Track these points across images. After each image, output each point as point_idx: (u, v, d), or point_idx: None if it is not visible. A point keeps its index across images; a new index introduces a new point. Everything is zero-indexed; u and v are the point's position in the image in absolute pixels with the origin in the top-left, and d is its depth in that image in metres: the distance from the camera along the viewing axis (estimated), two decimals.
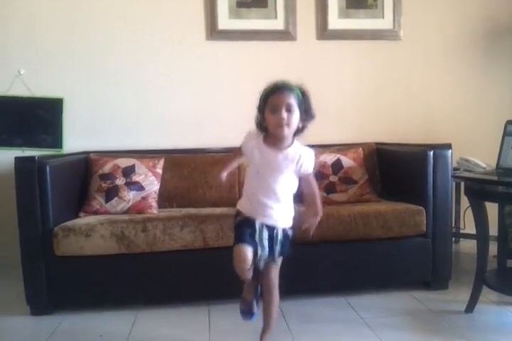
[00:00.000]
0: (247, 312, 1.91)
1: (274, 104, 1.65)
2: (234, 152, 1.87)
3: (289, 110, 1.64)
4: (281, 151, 1.70)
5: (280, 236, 1.74)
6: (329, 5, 3.16)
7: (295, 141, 1.73)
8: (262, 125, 1.72)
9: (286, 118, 1.64)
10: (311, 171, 1.74)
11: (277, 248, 1.74)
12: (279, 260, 1.81)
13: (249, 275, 1.75)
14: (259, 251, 1.71)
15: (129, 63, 3.07)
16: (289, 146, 1.71)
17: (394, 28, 3.23)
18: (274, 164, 1.70)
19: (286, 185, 1.73)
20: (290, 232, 1.79)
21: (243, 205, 1.78)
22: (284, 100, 1.64)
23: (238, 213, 1.79)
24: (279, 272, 1.83)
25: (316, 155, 1.77)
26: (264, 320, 1.86)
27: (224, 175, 1.78)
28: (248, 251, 1.67)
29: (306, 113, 1.70)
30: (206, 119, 3.12)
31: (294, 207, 1.80)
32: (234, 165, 1.85)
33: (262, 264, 1.77)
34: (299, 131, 1.71)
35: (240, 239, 1.69)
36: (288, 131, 1.66)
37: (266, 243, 1.72)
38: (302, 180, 1.77)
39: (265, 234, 1.72)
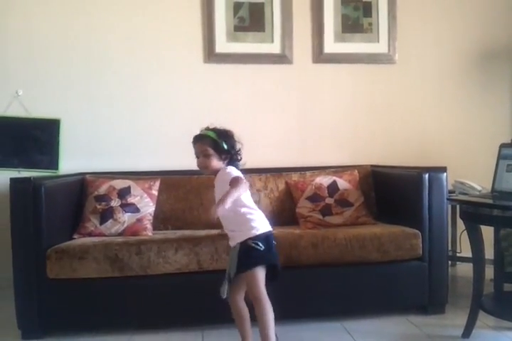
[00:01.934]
0: None
1: (195, 152, 2.00)
2: None
3: (205, 155, 1.95)
4: (215, 182, 2.00)
5: (236, 251, 1.89)
6: (325, 29, 3.21)
7: (221, 168, 1.96)
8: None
9: (203, 162, 1.96)
10: (230, 178, 1.88)
11: (233, 263, 1.88)
12: (247, 273, 1.87)
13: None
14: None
15: (126, 85, 3.10)
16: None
17: (389, 52, 3.28)
18: (216, 191, 1.98)
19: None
20: (250, 243, 1.86)
21: None
22: (198, 148, 1.98)
23: None
24: (256, 287, 1.87)
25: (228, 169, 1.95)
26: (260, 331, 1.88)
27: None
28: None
29: (226, 152, 1.96)
30: None
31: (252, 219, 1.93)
32: None
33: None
34: (232, 161, 1.99)
35: None
36: (209, 171, 1.98)
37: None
38: None
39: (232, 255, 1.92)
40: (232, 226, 1.94)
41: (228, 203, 1.79)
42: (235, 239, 1.92)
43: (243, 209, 1.93)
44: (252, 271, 1.86)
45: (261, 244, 1.87)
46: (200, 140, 1.99)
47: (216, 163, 1.97)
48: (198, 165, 2.00)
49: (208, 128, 2.01)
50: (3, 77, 3.02)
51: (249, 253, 1.87)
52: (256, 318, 1.87)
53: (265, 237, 1.91)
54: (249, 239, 1.88)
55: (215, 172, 1.98)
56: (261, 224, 1.94)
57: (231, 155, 1.99)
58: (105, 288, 2.22)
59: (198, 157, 1.99)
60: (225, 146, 1.96)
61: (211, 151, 1.95)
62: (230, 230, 1.95)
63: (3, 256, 2.36)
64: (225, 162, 1.98)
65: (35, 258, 2.19)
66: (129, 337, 2.23)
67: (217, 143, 1.96)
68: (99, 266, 2.19)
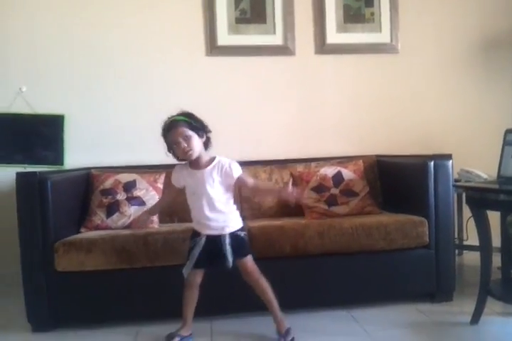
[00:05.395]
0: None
1: (173, 140, 1.97)
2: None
3: (186, 138, 1.95)
4: (204, 169, 2.00)
5: (228, 241, 1.98)
6: (327, 20, 3.20)
7: (216, 157, 2.03)
8: (179, 158, 2.04)
9: (187, 145, 1.95)
10: (238, 175, 2.02)
11: (228, 252, 1.98)
12: (246, 258, 2.04)
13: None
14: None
15: (129, 80, 3.10)
16: (209, 163, 2.01)
17: (391, 42, 3.27)
18: (203, 181, 1.99)
19: (220, 196, 2.01)
20: (242, 234, 2.05)
21: (194, 226, 2.07)
22: (177, 134, 1.96)
23: (192, 232, 2.08)
24: (256, 269, 2.06)
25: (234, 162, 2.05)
26: (268, 307, 2.06)
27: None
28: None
29: (201, 129, 2.01)
30: None
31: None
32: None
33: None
34: (206, 144, 2.03)
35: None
36: (195, 153, 1.98)
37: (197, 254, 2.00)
38: (238, 184, 2.07)
39: (210, 245, 2.00)
40: (219, 217, 2.01)
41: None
42: (219, 230, 2.00)
43: (232, 202, 2.08)
44: (248, 257, 2.05)
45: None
46: (173, 126, 1.98)
47: (198, 142, 1.98)
48: (183, 151, 1.96)
49: (170, 117, 2.02)
50: (7, 74, 3.04)
51: (242, 243, 2.04)
52: (261, 298, 2.06)
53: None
54: (239, 230, 2.05)
55: (197, 158, 2.00)
56: None
57: (206, 134, 2.03)
58: (113, 280, 2.24)
59: (176, 144, 1.96)
60: (197, 123, 2.00)
61: (190, 132, 1.97)
62: (217, 220, 2.00)
63: (13, 251, 2.36)
64: (203, 140, 2.01)
65: (43, 252, 2.20)
66: (138, 328, 2.24)
67: (190, 122, 1.98)
68: (106, 258, 2.20)
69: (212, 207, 1.99)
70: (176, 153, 2.02)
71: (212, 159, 2.03)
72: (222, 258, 1.97)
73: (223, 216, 2.02)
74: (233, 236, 2.01)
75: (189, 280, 2.05)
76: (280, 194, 2.05)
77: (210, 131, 2.05)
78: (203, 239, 2.00)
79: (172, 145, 1.99)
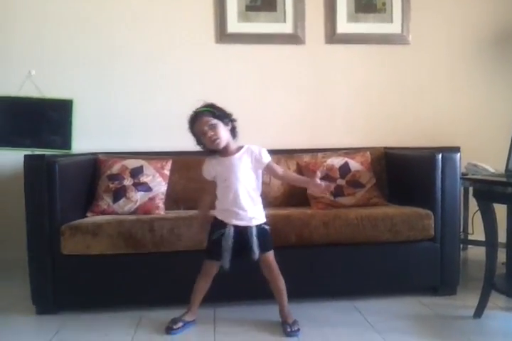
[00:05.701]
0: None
1: (199, 130, 2.00)
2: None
3: (211, 127, 1.97)
4: (233, 156, 2.02)
5: (255, 232, 1.99)
6: (338, 9, 3.17)
7: (244, 145, 2.05)
8: (209, 150, 2.05)
9: (213, 133, 1.97)
10: (268, 161, 2.04)
11: (255, 244, 1.97)
12: (269, 253, 2.05)
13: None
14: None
15: (139, 66, 3.09)
16: (238, 150, 2.04)
17: (402, 33, 3.24)
18: (232, 167, 2.00)
19: (251, 181, 2.02)
20: (267, 228, 2.06)
21: (218, 214, 2.06)
22: (202, 123, 1.99)
23: (214, 221, 2.07)
24: (276, 265, 2.07)
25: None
26: (278, 301, 2.09)
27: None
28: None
29: (225, 117, 2.04)
30: None
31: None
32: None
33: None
34: (233, 132, 2.06)
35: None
36: (223, 141, 2.00)
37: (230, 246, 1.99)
38: (267, 171, 2.08)
39: (236, 236, 1.99)
40: (250, 207, 2.01)
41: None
42: (247, 220, 2.00)
43: (259, 194, 2.07)
44: (271, 252, 2.05)
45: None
46: (198, 117, 2.01)
47: (225, 131, 2.01)
48: (210, 139, 1.98)
49: (194, 110, 2.05)
50: (17, 58, 3.04)
51: (267, 236, 2.05)
52: (274, 292, 2.08)
53: None
54: (264, 223, 2.06)
55: (225, 146, 2.02)
56: None
57: (231, 122, 2.05)
58: (118, 265, 2.25)
59: (203, 135, 1.99)
60: (220, 112, 2.03)
61: (214, 120, 1.99)
62: (246, 209, 2.00)
63: (19, 234, 2.38)
64: (229, 128, 2.03)
65: (49, 235, 2.21)
66: (142, 313, 2.25)
67: (213, 112, 2.01)
68: (112, 242, 2.21)
69: (244, 193, 2.00)
70: (204, 145, 2.03)
71: (241, 147, 2.05)
72: (249, 251, 1.97)
73: (252, 204, 2.02)
74: (259, 229, 2.02)
75: (205, 270, 2.06)
76: (309, 184, 2.05)
77: (235, 120, 2.07)
78: (232, 230, 1.99)
79: (200, 137, 2.01)
